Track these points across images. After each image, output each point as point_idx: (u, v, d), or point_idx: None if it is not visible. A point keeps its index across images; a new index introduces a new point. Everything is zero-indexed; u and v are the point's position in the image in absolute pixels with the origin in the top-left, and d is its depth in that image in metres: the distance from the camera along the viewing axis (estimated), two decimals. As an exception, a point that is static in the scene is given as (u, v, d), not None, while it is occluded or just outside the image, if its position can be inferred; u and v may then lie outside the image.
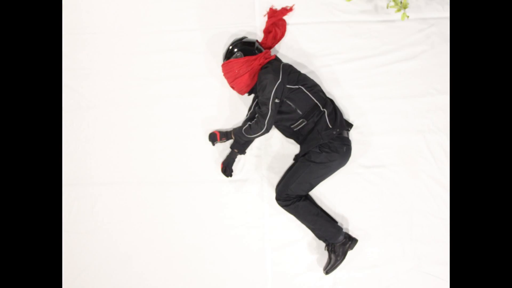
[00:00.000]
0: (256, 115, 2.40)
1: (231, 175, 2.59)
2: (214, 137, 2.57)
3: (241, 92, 2.51)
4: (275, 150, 2.64)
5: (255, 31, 2.65)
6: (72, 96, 2.74)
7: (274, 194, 2.55)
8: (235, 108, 2.67)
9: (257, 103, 2.54)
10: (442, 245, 2.54)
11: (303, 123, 2.40)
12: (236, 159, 2.61)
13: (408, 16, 2.44)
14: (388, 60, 2.60)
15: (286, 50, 2.64)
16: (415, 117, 2.59)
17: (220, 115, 2.67)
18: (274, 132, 2.63)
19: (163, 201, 2.69)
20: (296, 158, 2.53)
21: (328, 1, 2.62)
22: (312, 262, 2.60)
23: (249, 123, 2.43)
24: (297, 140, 2.50)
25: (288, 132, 2.50)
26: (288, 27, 2.63)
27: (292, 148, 2.61)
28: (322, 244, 2.57)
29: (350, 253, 2.51)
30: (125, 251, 2.70)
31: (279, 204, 2.46)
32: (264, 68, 2.42)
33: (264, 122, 2.35)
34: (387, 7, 2.50)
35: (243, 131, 2.44)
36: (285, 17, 2.62)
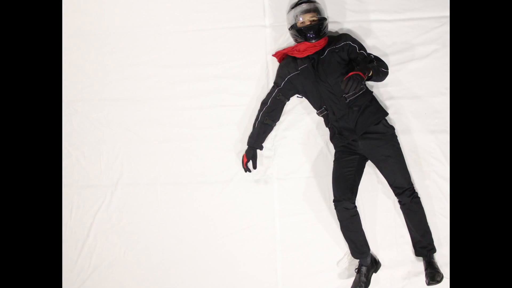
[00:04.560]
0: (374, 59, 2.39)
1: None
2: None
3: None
4: (285, 151, 2.67)
5: (265, 30, 2.69)
6: (76, 98, 2.81)
7: (284, 196, 2.63)
8: (247, 108, 2.69)
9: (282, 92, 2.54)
10: None
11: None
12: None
13: None
14: (399, 60, 2.59)
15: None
16: (427, 117, 2.58)
17: (232, 114, 2.71)
18: (285, 133, 2.67)
19: (174, 202, 2.73)
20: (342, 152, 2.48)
21: (339, 1, 2.63)
22: (323, 263, 2.61)
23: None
24: (347, 118, 2.41)
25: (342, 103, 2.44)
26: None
27: (302, 149, 2.64)
28: (332, 245, 2.59)
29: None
30: (136, 251, 2.74)
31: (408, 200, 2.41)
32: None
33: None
34: None
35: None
36: None
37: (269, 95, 2.57)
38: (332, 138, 2.50)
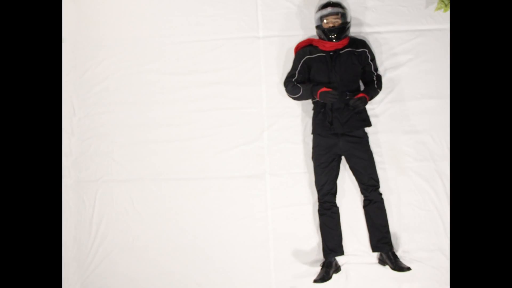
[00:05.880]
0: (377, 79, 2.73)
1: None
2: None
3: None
4: (277, 150, 2.90)
5: (258, 41, 2.95)
6: (90, 101, 3.05)
7: (275, 189, 2.86)
8: (242, 110, 2.94)
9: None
10: (427, 234, 2.76)
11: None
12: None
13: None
14: (378, 68, 2.82)
15: (285, 60, 2.92)
16: (402, 119, 2.84)
17: (228, 116, 2.95)
18: (276, 133, 2.91)
19: (177, 195, 2.92)
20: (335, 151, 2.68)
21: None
22: (311, 250, 2.82)
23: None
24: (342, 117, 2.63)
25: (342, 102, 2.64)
26: (282, 39, 2.93)
27: (291, 148, 2.89)
28: (318, 234, 2.78)
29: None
30: (143, 239, 2.92)
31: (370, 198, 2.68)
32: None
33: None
34: (435, 11, 2.81)
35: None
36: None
37: (290, 78, 2.77)
38: (319, 124, 2.67)
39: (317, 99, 2.64)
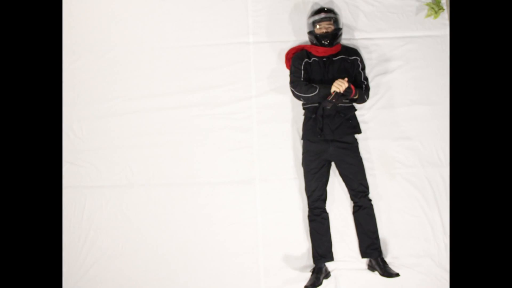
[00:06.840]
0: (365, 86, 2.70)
1: None
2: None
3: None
4: (267, 155, 2.91)
5: (248, 47, 2.95)
6: (81, 107, 3.04)
7: (265, 195, 2.85)
8: (231, 116, 2.94)
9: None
10: (416, 240, 2.77)
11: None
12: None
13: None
14: (368, 74, 2.85)
15: (275, 66, 2.93)
16: (392, 125, 2.85)
17: (218, 122, 2.95)
18: (267, 139, 2.92)
19: (166, 201, 2.91)
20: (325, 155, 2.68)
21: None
22: (300, 256, 2.82)
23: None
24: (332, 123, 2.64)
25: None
26: (273, 45, 2.93)
27: (282, 154, 2.89)
28: (307, 240, 2.79)
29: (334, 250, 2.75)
30: (132, 245, 2.90)
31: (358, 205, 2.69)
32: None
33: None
34: (425, 17, 2.82)
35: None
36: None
37: (298, 78, 2.69)
38: (309, 129, 2.68)
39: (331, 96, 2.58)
